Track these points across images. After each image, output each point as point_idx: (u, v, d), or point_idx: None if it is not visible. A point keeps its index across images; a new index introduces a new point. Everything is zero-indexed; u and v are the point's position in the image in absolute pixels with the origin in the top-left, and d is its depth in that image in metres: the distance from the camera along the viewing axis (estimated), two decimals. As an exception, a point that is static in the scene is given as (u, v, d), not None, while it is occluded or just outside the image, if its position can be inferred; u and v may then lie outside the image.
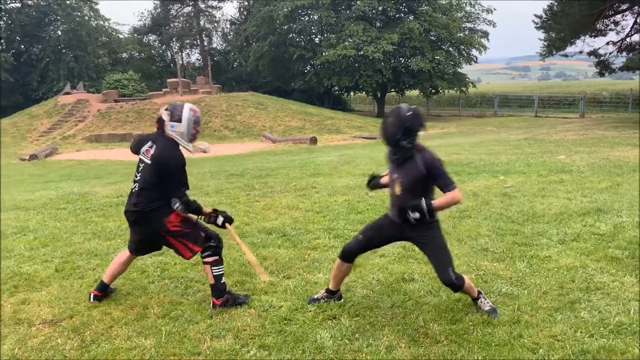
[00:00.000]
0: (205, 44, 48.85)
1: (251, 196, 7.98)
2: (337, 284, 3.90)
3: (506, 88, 48.69)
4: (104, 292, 4.12)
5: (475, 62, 37.51)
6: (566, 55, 25.35)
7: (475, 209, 6.41)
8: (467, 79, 35.99)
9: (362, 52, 32.29)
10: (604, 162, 9.62)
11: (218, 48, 49.37)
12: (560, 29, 22.98)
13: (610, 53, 24.82)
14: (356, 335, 3.38)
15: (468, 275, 4.02)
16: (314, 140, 20.07)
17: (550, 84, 60.43)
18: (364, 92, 38.90)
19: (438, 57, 34.29)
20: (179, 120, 3.77)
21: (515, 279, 4.24)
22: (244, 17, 46.95)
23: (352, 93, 42.11)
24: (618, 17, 24.02)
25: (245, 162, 13.26)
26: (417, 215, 3.35)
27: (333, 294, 3.90)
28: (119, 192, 8.58)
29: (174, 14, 48.30)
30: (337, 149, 16.80)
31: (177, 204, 3.72)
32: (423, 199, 3.38)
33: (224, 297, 3.87)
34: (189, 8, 47.79)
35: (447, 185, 3.41)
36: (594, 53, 24.74)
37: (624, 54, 24.49)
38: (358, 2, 33.87)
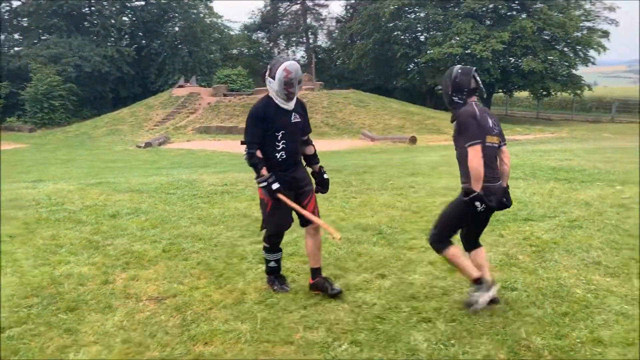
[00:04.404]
0: (311, 41, 49.74)
1: (348, 192, 8.00)
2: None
3: (627, 92, 45.00)
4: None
5: (593, 63, 34.95)
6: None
7: (587, 219, 5.96)
8: (583, 82, 33.65)
9: (469, 51, 31.27)
10: None
11: (322, 45, 50.06)
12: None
13: None
14: (452, 341, 3.26)
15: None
16: (413, 140, 19.73)
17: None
18: (468, 93, 37.64)
19: (551, 58, 32.37)
20: (274, 78, 3.79)
21: (631, 297, 3.88)
22: (349, 15, 47.21)
23: (456, 93, 40.94)
24: None
25: (344, 159, 13.34)
26: (478, 205, 3.44)
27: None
28: (224, 180, 8.96)
29: (283, 12, 49.65)
30: (438, 149, 16.40)
31: (244, 154, 3.83)
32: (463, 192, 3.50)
33: (268, 277, 4.17)
34: (297, 6, 48.88)
35: (463, 141, 3.48)
36: None
37: None
38: (467, 0, 32.81)
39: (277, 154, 3.85)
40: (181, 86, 32.15)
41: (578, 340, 3.23)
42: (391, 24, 36.77)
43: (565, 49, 33.93)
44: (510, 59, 33.93)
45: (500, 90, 36.76)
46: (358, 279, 4.31)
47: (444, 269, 4.48)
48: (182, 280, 4.36)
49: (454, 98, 3.58)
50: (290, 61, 3.80)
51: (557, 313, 3.61)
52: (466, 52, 31.41)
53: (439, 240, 3.69)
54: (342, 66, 45.19)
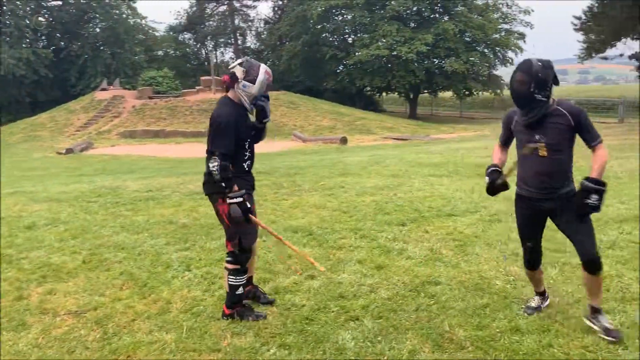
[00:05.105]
0: (239, 43, 49.26)
1: (279, 194, 7.97)
2: (540, 285, 3.72)
3: (542, 91, 47.64)
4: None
5: (511, 64, 36.74)
6: (606, 58, 24.63)
7: (506, 213, 6.20)
8: (502, 81, 35.32)
9: (395, 53, 32.07)
10: (643, 169, 9.26)
11: (252, 47, 49.70)
12: (600, 30, 22.40)
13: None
14: (378, 338, 3.30)
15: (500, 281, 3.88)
16: (344, 140, 19.98)
17: (588, 88, 58.91)
18: (396, 93, 38.64)
19: (472, 59, 33.77)
20: (253, 82, 3.50)
21: (546, 285, 4.08)
22: (278, 17, 47.15)
23: (384, 94, 41.87)
24: (662, 19, 23.26)
25: (275, 161, 13.29)
26: (596, 199, 3.06)
27: (543, 294, 3.73)
28: (149, 186, 8.69)
29: (210, 12, 48.85)
30: (368, 149, 16.70)
31: (215, 165, 3.38)
32: (586, 181, 3.08)
33: (233, 309, 3.63)
34: (224, 7, 48.26)
35: (594, 138, 3.14)
36: (635, 56, 23.99)
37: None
38: (392, 2, 33.61)
39: (244, 164, 3.63)
40: (104, 89, 30.94)
41: (497, 330, 3.36)
42: (319, 26, 37.07)
43: (486, 50, 35.51)
44: (434, 60, 35.08)
45: (425, 91, 37.92)
46: (287, 281, 4.28)
47: (371, 266, 4.55)
48: (103, 292, 4.17)
49: (536, 96, 3.08)
50: (263, 64, 3.62)
51: (478, 305, 3.74)
52: (392, 53, 32.20)
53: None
54: (272, 67, 44.56)
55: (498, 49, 35.48)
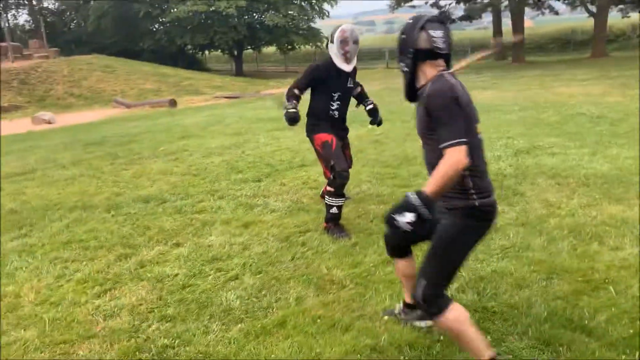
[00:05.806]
0: (35, 2, 43.58)
1: (116, 165, 7.41)
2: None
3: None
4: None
5: (328, 16, 37.98)
6: (414, 7, 26.69)
7: (352, 158, 6.54)
8: (322, 34, 36.42)
9: (214, 8, 31.09)
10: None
11: (50, 7, 44.38)
12: (406, -20, 24.10)
13: (450, 4, 26.63)
14: (263, 292, 3.30)
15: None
16: (173, 103, 19.07)
17: (395, 37, 63.35)
18: (220, 51, 37.77)
19: (291, 12, 34.17)
20: (332, 41, 4.15)
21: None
22: (77, -28, 42.47)
23: (207, 52, 40.65)
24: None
25: (101, 130, 12.23)
26: (407, 219, 1.99)
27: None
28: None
29: (-8, -32, 42.24)
30: (201, 110, 16.17)
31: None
32: (411, 193, 2.03)
33: (327, 225, 4.18)
34: (10, -39, 42.07)
35: (443, 138, 2.07)
36: (436, 4, 26.35)
37: (462, 4, 26.40)
38: (205, -45, 32.29)
39: (330, 112, 4.29)
40: None
41: (371, 265, 3.55)
42: (127, -18, 34.39)
43: (303, 3, 36.11)
44: (254, 15, 34.82)
45: (249, 47, 37.66)
46: (152, 253, 4.04)
47: (238, 225, 4.49)
48: None
49: (400, 64, 2.31)
50: (346, 24, 4.23)
51: (349, 245, 3.91)
52: (211, 9, 31.19)
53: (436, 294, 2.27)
54: (78, 29, 40.91)
55: (315, 1, 36.30)
